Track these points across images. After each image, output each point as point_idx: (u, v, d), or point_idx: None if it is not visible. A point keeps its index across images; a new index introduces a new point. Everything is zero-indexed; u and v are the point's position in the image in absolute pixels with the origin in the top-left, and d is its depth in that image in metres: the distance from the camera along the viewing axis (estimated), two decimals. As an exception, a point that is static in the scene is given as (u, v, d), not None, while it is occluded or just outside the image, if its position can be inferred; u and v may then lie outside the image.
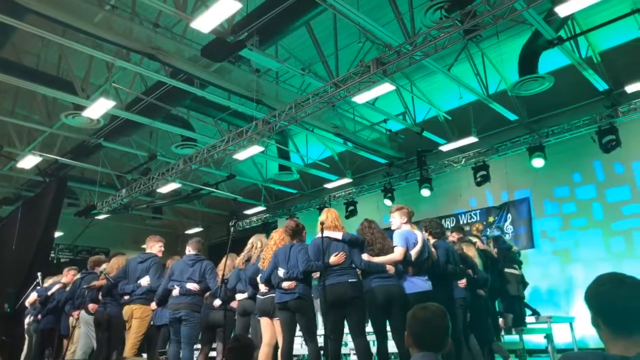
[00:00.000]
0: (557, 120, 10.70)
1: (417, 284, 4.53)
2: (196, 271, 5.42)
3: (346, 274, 4.37)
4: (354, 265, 4.47)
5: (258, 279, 4.89)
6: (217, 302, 5.44)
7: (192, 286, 5.29)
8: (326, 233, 4.53)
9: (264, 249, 5.37)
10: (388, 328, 4.60)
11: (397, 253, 4.46)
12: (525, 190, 11.41)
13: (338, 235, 4.51)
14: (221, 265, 5.50)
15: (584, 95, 10.10)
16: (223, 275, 4.95)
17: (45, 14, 6.88)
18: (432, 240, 5.07)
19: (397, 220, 4.78)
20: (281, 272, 4.56)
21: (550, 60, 9.03)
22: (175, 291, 5.30)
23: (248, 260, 5.47)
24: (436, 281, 4.68)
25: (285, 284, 4.48)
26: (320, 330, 5.83)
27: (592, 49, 9.42)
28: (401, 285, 4.50)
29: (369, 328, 4.76)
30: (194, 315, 5.27)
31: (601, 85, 9.32)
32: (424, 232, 5.05)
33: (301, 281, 4.47)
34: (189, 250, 5.64)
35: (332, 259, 4.37)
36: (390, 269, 4.47)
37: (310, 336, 4.48)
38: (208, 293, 5.54)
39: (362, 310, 4.41)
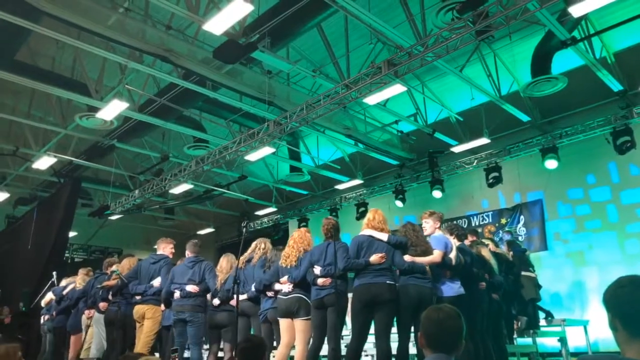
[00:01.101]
0: (571, 121, 10.59)
1: (453, 288, 4.65)
2: (196, 272, 5.51)
3: (384, 275, 4.39)
4: (394, 267, 4.51)
5: (284, 279, 4.87)
6: (216, 302, 5.48)
7: (191, 288, 5.39)
8: (370, 232, 4.59)
9: (266, 251, 5.41)
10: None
11: (437, 255, 4.54)
12: (538, 192, 11.30)
13: (383, 236, 4.54)
14: (223, 267, 5.54)
15: (598, 96, 9.99)
16: (236, 275, 4.97)
17: (60, 17, 6.98)
18: (456, 244, 5.09)
19: (431, 225, 4.88)
20: (317, 269, 4.59)
21: (564, 61, 8.94)
22: (177, 294, 5.40)
23: (249, 261, 5.50)
24: (465, 285, 4.77)
25: (320, 281, 4.53)
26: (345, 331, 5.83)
27: (607, 49, 9.31)
28: (433, 288, 4.54)
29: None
30: (198, 316, 5.35)
31: (615, 86, 9.22)
32: (450, 235, 5.10)
33: (338, 277, 4.51)
34: (188, 253, 5.74)
35: (373, 258, 4.38)
36: (428, 270, 4.52)
37: (335, 335, 4.47)
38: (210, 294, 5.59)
39: (393, 313, 4.44)
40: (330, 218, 4.98)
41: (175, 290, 5.41)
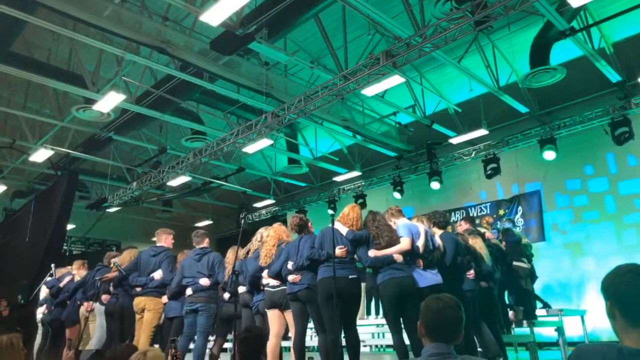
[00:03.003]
0: (569, 112, 10.59)
1: (427, 277, 4.52)
2: (204, 265, 5.51)
3: (346, 268, 4.39)
4: (357, 261, 4.51)
5: (264, 273, 4.95)
6: (227, 295, 5.49)
7: (204, 282, 5.39)
8: (337, 225, 4.57)
9: (263, 241, 5.43)
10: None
11: (405, 243, 4.46)
12: (536, 183, 11.33)
13: (343, 231, 4.53)
14: (230, 259, 5.55)
15: (596, 87, 9.99)
16: (234, 267, 5.00)
17: (56, 8, 6.91)
18: (438, 232, 5.04)
19: (395, 220, 4.85)
20: (290, 264, 4.66)
21: (562, 52, 8.92)
22: (189, 290, 5.42)
23: (248, 252, 5.53)
24: (445, 274, 4.66)
25: (290, 278, 4.59)
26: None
27: (605, 40, 9.29)
28: (413, 277, 4.46)
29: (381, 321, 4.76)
30: (209, 306, 5.38)
31: (614, 76, 9.20)
32: (426, 223, 5.03)
33: (308, 270, 4.54)
34: (194, 245, 5.75)
35: (337, 252, 4.38)
36: (399, 258, 4.41)
37: (320, 326, 4.50)
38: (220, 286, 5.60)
39: (357, 306, 4.53)
40: (295, 216, 5.10)
41: (188, 285, 5.44)
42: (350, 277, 4.36)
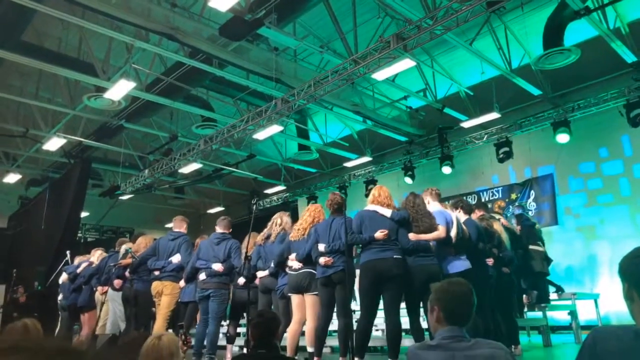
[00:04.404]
0: (583, 94, 10.41)
1: (457, 264, 4.57)
2: (221, 250, 5.53)
3: (390, 249, 4.28)
4: (398, 244, 4.41)
5: (292, 256, 4.86)
6: (242, 280, 5.53)
7: (217, 267, 5.42)
8: (374, 207, 4.51)
9: (284, 227, 5.42)
10: None
11: (442, 231, 4.48)
12: (549, 167, 11.21)
13: (387, 212, 4.45)
14: (245, 244, 5.58)
15: (611, 68, 9.79)
16: (246, 253, 5.01)
17: (65, -5, 6.92)
18: (463, 218, 5.06)
19: (431, 200, 4.84)
20: (322, 246, 4.52)
21: (577, 32, 8.74)
22: (202, 275, 5.44)
23: (268, 237, 5.54)
24: (471, 260, 4.71)
25: (322, 260, 4.46)
26: (354, 306, 5.88)
27: (621, 19, 9.07)
28: (440, 265, 4.47)
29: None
30: (221, 292, 5.42)
31: (629, 57, 9.00)
32: (455, 209, 5.07)
33: (343, 254, 4.43)
34: (216, 229, 5.77)
35: (377, 235, 4.29)
36: (433, 245, 4.44)
37: (345, 310, 4.46)
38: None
39: (401, 288, 4.35)
40: (336, 193, 4.93)
41: (201, 269, 5.47)
42: (394, 256, 4.25)
